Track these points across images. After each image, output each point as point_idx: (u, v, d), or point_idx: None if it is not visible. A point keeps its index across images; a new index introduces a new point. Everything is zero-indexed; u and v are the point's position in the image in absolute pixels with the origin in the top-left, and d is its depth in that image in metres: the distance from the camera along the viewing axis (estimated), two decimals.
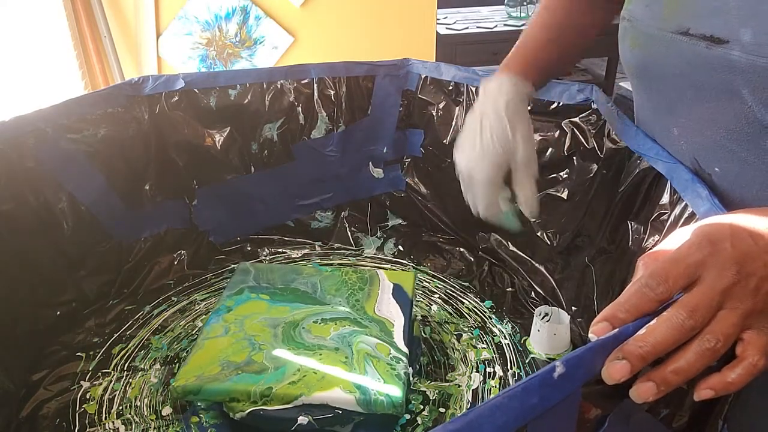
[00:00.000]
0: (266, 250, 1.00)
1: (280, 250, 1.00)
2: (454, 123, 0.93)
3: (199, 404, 0.69)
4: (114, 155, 0.86)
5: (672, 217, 0.62)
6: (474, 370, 0.75)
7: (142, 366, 0.76)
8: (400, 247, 0.99)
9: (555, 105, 0.84)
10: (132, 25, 1.59)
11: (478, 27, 2.79)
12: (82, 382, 0.74)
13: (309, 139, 0.96)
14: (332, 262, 0.97)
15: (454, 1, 3.03)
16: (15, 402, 0.70)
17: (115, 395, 0.72)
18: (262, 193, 0.99)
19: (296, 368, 0.67)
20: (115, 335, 0.82)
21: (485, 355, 0.78)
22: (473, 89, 0.90)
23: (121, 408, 0.70)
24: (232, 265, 0.95)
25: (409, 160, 1.01)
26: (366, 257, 0.98)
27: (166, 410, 0.70)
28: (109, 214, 0.87)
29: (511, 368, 0.76)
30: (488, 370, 0.75)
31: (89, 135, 0.84)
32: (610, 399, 0.43)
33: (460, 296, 0.89)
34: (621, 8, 0.67)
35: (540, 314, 0.78)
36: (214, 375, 0.66)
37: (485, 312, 0.85)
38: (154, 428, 0.68)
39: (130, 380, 0.74)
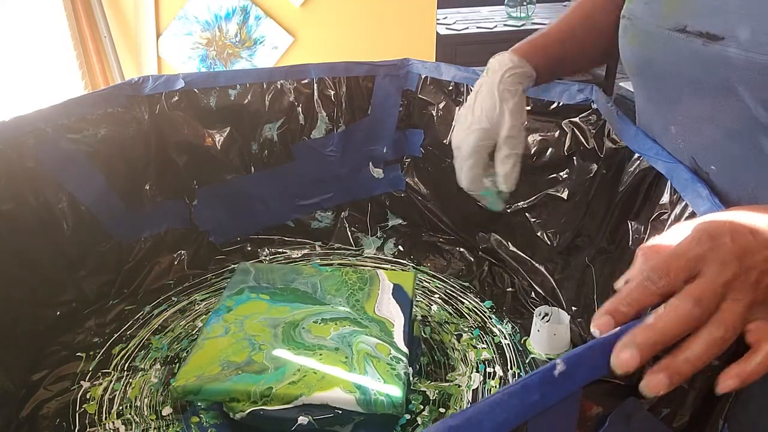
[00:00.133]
0: (266, 250, 1.00)
1: (280, 250, 1.00)
2: (454, 123, 0.93)
3: (199, 404, 0.69)
4: (114, 155, 0.86)
5: (672, 216, 0.62)
6: (474, 370, 0.75)
7: (142, 366, 0.76)
8: (400, 247, 0.99)
9: (555, 105, 0.84)
10: (132, 25, 1.59)
11: (478, 27, 2.79)
12: (82, 382, 0.74)
13: (309, 139, 0.96)
14: (332, 262, 0.97)
15: (454, 1, 3.04)
16: (15, 402, 0.70)
17: (115, 395, 0.72)
18: (262, 193, 0.99)
19: (296, 368, 0.67)
20: (115, 335, 0.82)
21: (485, 355, 0.77)
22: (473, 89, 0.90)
23: (121, 408, 0.70)
24: (232, 265, 0.95)
25: (409, 160, 1.01)
26: (366, 257, 0.98)
27: (166, 410, 0.70)
28: (109, 214, 0.87)
29: (511, 368, 0.76)
30: (488, 370, 0.75)
31: (89, 135, 0.84)
32: (611, 398, 0.43)
33: (460, 296, 0.89)
34: None
35: (540, 314, 0.78)
36: (214, 375, 0.66)
37: (485, 312, 0.85)
38: (154, 428, 0.67)
39: (130, 380, 0.74)
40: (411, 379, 0.71)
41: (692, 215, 0.59)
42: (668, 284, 0.40)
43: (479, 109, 0.69)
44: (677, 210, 0.62)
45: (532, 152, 0.86)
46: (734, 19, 0.52)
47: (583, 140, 0.82)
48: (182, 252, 0.95)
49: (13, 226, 0.76)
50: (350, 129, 0.97)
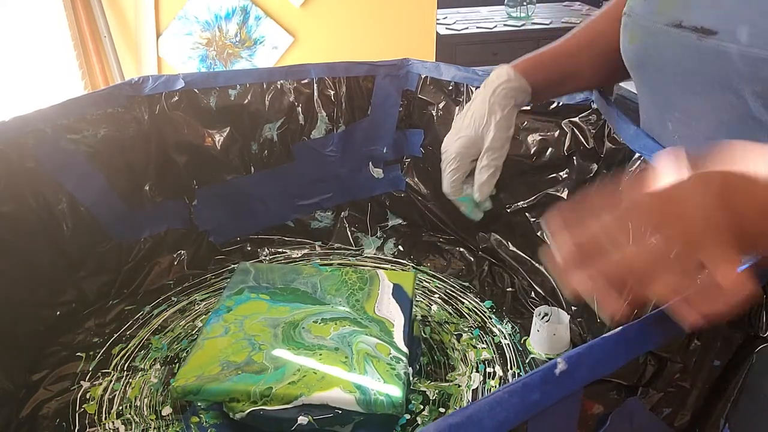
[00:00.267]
0: (266, 250, 1.00)
1: (280, 250, 1.00)
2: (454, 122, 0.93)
3: (199, 404, 0.69)
4: (114, 155, 0.86)
5: None
6: (474, 370, 0.75)
7: (142, 366, 0.76)
8: (400, 247, 0.99)
9: (555, 105, 0.84)
10: (132, 25, 1.59)
11: (478, 27, 2.79)
12: (82, 382, 0.74)
13: (309, 139, 0.96)
14: (332, 262, 0.97)
15: (454, 1, 3.03)
16: (15, 402, 0.70)
17: (115, 395, 0.72)
18: (262, 193, 0.99)
19: (296, 368, 0.67)
20: (115, 335, 0.82)
21: (485, 355, 0.77)
22: (473, 89, 0.90)
23: (121, 408, 0.70)
24: (232, 265, 0.95)
25: (409, 160, 1.01)
26: (366, 257, 0.98)
27: (166, 410, 0.70)
28: (109, 215, 0.87)
29: (511, 368, 0.75)
30: (488, 370, 0.75)
31: (89, 135, 0.84)
32: (612, 397, 0.43)
33: (460, 296, 0.89)
34: None
35: (540, 314, 0.78)
36: (214, 375, 0.66)
37: (485, 312, 0.85)
38: (154, 428, 0.67)
39: (130, 380, 0.74)
40: (411, 379, 0.71)
41: None
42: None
43: (470, 117, 0.71)
44: None
45: (532, 152, 0.86)
46: (728, 14, 0.53)
47: (583, 140, 0.82)
48: (182, 252, 0.95)
49: (13, 227, 0.76)
50: (350, 129, 0.97)
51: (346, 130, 0.97)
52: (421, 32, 1.73)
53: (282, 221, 1.01)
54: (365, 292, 0.79)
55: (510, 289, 0.89)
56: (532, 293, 0.87)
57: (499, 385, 0.73)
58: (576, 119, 0.83)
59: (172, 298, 0.89)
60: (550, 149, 0.85)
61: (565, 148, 0.84)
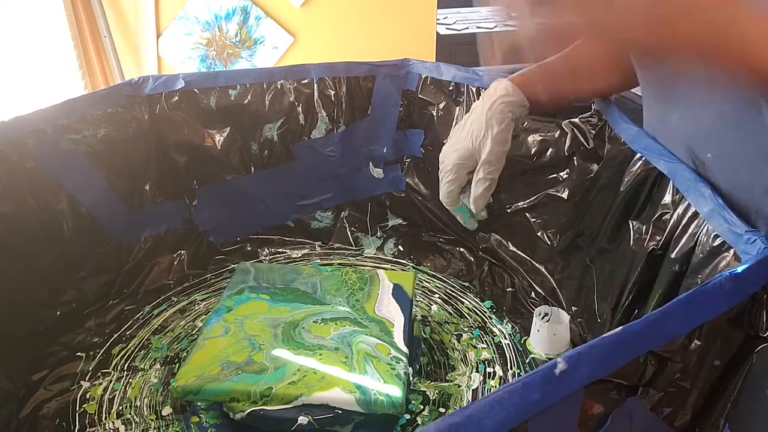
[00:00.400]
0: (266, 250, 1.00)
1: (280, 250, 1.00)
2: (454, 123, 0.93)
3: (199, 404, 0.69)
4: (114, 155, 0.86)
5: (675, 216, 0.62)
6: (474, 370, 0.75)
7: (142, 366, 0.76)
8: (400, 247, 0.99)
9: None
10: (132, 25, 1.59)
11: (478, 27, 2.79)
12: (82, 382, 0.74)
13: (309, 139, 0.96)
14: (332, 262, 0.97)
15: (454, 1, 3.03)
16: (15, 402, 0.70)
17: (115, 395, 0.72)
18: (262, 193, 0.99)
19: (296, 368, 0.67)
20: (115, 335, 0.82)
21: (485, 355, 0.77)
22: (473, 89, 0.90)
23: (121, 408, 0.70)
24: (232, 265, 0.95)
25: (409, 160, 1.01)
26: (366, 257, 0.98)
27: (166, 410, 0.70)
28: (109, 215, 0.87)
29: (511, 368, 0.75)
30: (488, 370, 0.75)
31: (89, 135, 0.84)
32: (613, 396, 0.43)
33: (460, 296, 0.89)
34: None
35: (540, 314, 0.78)
36: (214, 375, 0.66)
37: (485, 312, 0.85)
38: (154, 428, 0.67)
39: (130, 380, 0.74)
40: (411, 379, 0.71)
41: (695, 215, 0.59)
42: None
43: (467, 130, 0.72)
44: (680, 210, 0.62)
45: (533, 152, 0.86)
46: None
47: (583, 140, 0.82)
48: (182, 252, 0.95)
49: (13, 227, 0.76)
50: (350, 129, 0.97)
51: (347, 130, 0.97)
52: (421, 32, 1.73)
53: (282, 221, 1.01)
54: (365, 292, 0.79)
55: (510, 289, 0.89)
56: (532, 293, 0.87)
57: (499, 385, 0.73)
58: (576, 120, 0.83)
59: (172, 298, 0.89)
60: (550, 149, 0.85)
61: (566, 149, 0.84)
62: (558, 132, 0.84)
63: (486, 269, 0.93)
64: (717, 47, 0.46)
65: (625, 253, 0.70)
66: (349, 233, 1.02)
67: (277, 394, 0.64)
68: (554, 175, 0.86)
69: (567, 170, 0.85)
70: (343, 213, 1.02)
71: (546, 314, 0.79)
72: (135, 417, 0.69)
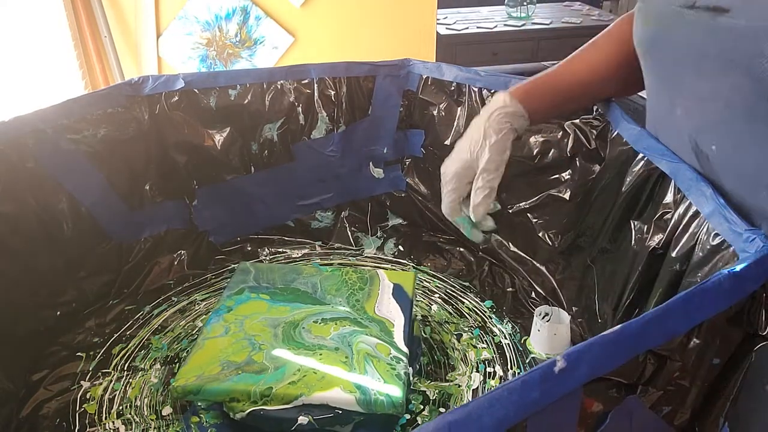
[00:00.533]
0: (266, 250, 1.00)
1: (280, 250, 1.00)
2: (455, 123, 0.93)
3: (199, 404, 0.69)
4: (114, 155, 0.86)
5: (676, 215, 0.62)
6: (474, 369, 0.75)
7: (142, 366, 0.76)
8: (400, 247, 0.99)
9: None
10: (132, 25, 1.59)
11: (478, 27, 2.79)
12: (82, 382, 0.74)
13: (309, 139, 0.96)
14: (332, 262, 0.97)
15: (454, 1, 3.03)
16: (15, 402, 0.70)
17: (115, 395, 0.72)
18: (262, 193, 0.99)
19: (296, 368, 0.67)
20: (115, 335, 0.82)
21: (485, 354, 0.77)
22: (475, 90, 0.90)
23: (121, 408, 0.70)
24: (232, 265, 0.95)
25: (409, 160, 1.01)
26: (366, 257, 0.98)
27: (167, 410, 0.70)
28: (109, 215, 0.87)
29: (512, 368, 0.75)
30: (488, 369, 0.75)
31: (89, 135, 0.84)
32: (612, 395, 0.43)
33: (460, 296, 0.88)
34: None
35: (540, 314, 0.78)
36: (214, 375, 0.66)
37: (485, 312, 0.85)
38: (155, 428, 0.67)
39: (130, 380, 0.74)
40: (411, 378, 0.71)
41: (696, 214, 0.59)
42: None
43: (466, 141, 0.73)
44: (681, 209, 0.62)
45: (535, 153, 0.86)
46: None
47: (585, 141, 0.82)
48: (182, 252, 0.95)
49: (13, 227, 0.76)
50: (350, 129, 0.97)
51: (347, 130, 0.97)
52: (421, 32, 1.73)
53: (282, 221, 1.01)
54: (365, 292, 0.79)
55: (510, 288, 0.89)
56: (533, 293, 0.87)
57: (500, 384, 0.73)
58: (578, 121, 0.83)
59: (173, 298, 0.89)
60: (552, 150, 0.85)
61: (568, 150, 0.84)
62: (560, 133, 0.85)
63: (486, 269, 0.93)
64: None
65: (627, 253, 0.70)
66: (349, 233, 1.02)
67: (277, 394, 0.64)
68: (556, 176, 0.86)
69: (569, 171, 0.85)
70: (343, 213, 1.02)
71: (546, 314, 0.79)
72: (135, 417, 0.69)
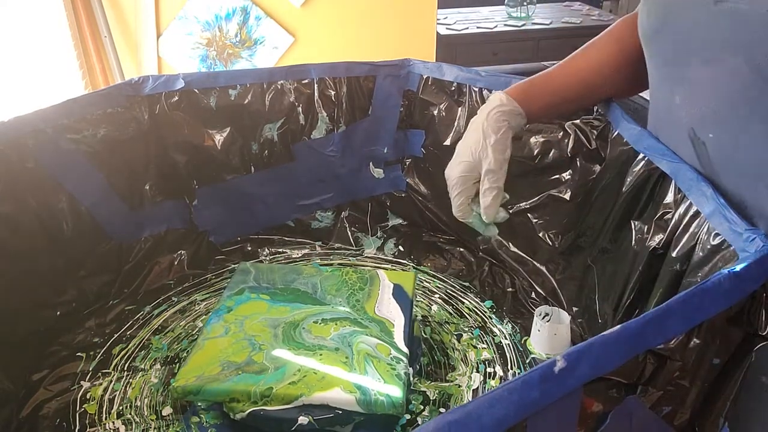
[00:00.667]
0: (266, 250, 0.99)
1: (280, 250, 1.00)
2: (456, 123, 0.93)
3: (199, 404, 0.69)
4: (114, 155, 0.86)
5: (676, 215, 0.62)
6: (474, 370, 0.75)
7: (142, 366, 0.76)
8: (401, 247, 0.99)
9: None
10: (132, 25, 1.59)
11: (478, 27, 2.79)
12: (82, 382, 0.74)
13: (309, 139, 0.96)
14: (332, 262, 0.97)
15: (454, 1, 3.03)
16: (15, 402, 0.70)
17: (115, 395, 0.72)
18: (262, 193, 0.98)
19: (296, 368, 0.67)
20: (116, 335, 0.82)
21: (485, 355, 0.77)
22: (476, 90, 0.90)
23: (121, 408, 0.70)
24: (232, 265, 0.95)
25: (409, 160, 1.01)
26: (366, 257, 0.98)
27: (167, 410, 0.70)
28: (109, 215, 0.87)
29: (512, 368, 0.75)
30: (488, 370, 0.75)
31: (89, 135, 0.84)
32: (612, 395, 0.43)
33: (461, 296, 0.88)
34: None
35: (540, 314, 0.78)
36: (214, 375, 0.66)
37: (485, 312, 0.85)
38: (155, 428, 0.67)
39: (131, 380, 0.74)
40: (411, 379, 0.71)
41: (697, 214, 0.59)
42: None
43: (467, 143, 0.73)
44: (681, 209, 0.62)
45: (535, 153, 0.86)
46: None
47: (585, 142, 0.82)
48: (182, 252, 0.95)
49: (13, 227, 0.76)
50: (351, 129, 0.97)
51: (347, 130, 0.97)
52: (422, 32, 1.73)
53: (282, 221, 1.01)
54: (365, 293, 0.79)
55: (510, 289, 0.89)
56: (533, 293, 0.87)
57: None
58: (578, 121, 0.83)
59: (173, 298, 0.89)
60: (553, 151, 0.85)
61: (569, 150, 0.84)
62: (561, 133, 0.85)
63: (486, 269, 0.93)
64: None
65: (627, 253, 0.70)
66: (349, 233, 1.02)
67: (277, 395, 0.64)
68: (557, 176, 0.86)
69: (569, 171, 0.85)
70: (343, 213, 1.02)
71: (547, 314, 0.79)
72: (135, 417, 0.69)
